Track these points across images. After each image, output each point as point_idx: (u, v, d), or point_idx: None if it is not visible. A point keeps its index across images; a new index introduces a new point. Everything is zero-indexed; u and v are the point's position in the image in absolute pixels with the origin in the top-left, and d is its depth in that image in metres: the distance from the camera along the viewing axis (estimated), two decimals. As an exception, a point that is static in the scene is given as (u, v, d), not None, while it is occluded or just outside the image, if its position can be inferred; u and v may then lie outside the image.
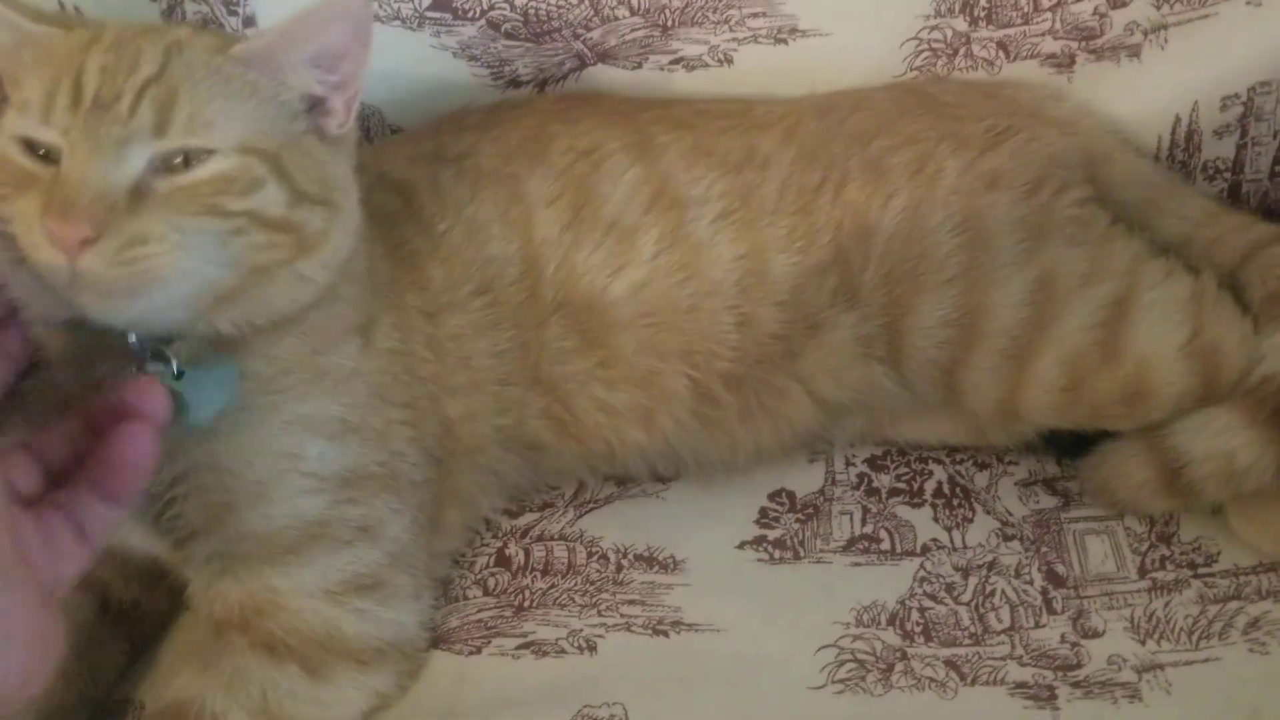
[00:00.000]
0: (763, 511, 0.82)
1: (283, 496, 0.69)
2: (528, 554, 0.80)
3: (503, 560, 0.80)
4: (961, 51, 0.92)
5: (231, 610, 0.70)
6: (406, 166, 0.83)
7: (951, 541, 0.78)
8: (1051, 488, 0.82)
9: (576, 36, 0.93)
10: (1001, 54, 0.92)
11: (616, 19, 0.92)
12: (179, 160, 0.61)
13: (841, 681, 0.71)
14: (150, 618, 0.78)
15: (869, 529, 0.79)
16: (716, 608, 0.75)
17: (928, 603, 0.75)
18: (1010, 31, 0.91)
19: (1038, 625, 0.73)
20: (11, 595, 0.51)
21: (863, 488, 0.83)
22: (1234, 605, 0.72)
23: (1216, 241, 0.84)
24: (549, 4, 0.90)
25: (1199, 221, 0.86)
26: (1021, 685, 0.70)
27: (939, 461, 0.84)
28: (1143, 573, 0.75)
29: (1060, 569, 0.76)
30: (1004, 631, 0.73)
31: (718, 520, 0.81)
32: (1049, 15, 0.90)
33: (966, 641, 0.72)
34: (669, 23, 0.92)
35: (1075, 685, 0.70)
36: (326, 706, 0.70)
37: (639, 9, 0.91)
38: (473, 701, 0.72)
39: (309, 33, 0.64)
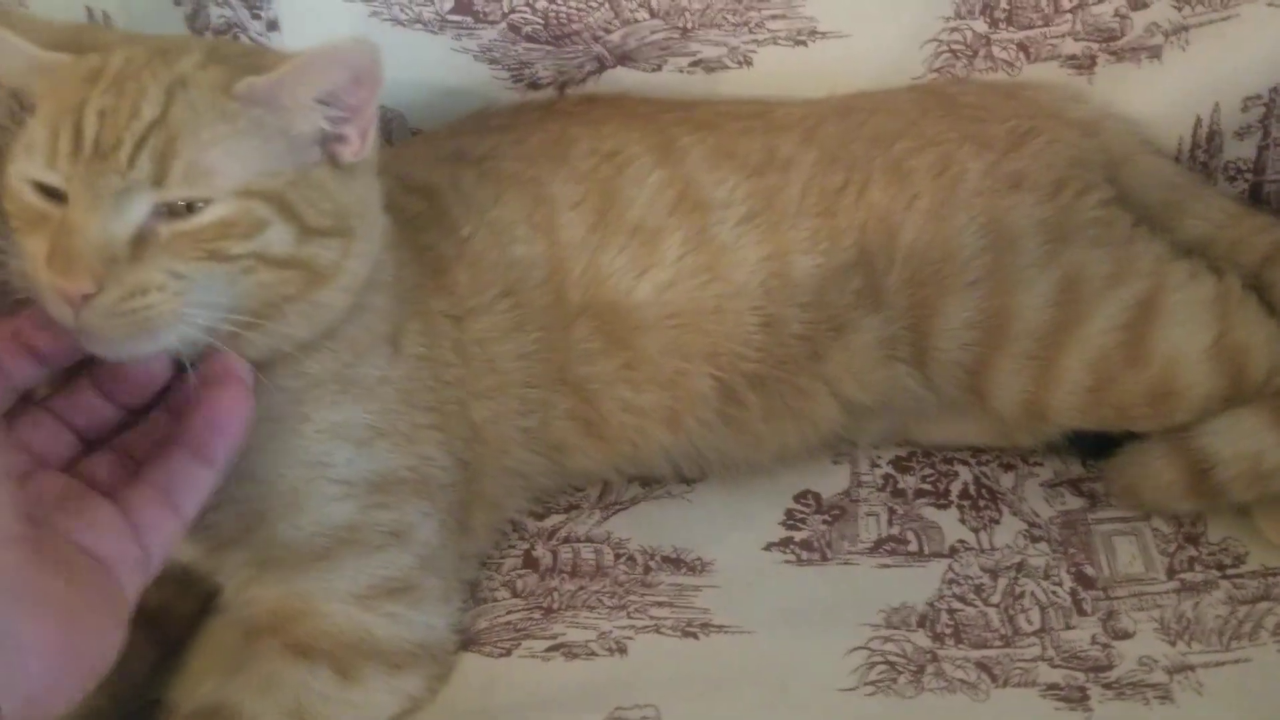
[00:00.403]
0: (789, 513, 0.82)
1: (313, 504, 0.69)
2: (555, 556, 0.80)
3: (530, 562, 0.80)
4: (981, 53, 0.92)
5: (264, 615, 0.70)
6: (429, 169, 0.83)
7: (979, 543, 0.78)
8: (1077, 489, 0.82)
9: (596, 39, 0.93)
10: (1022, 55, 0.92)
11: (636, 21, 0.92)
12: (182, 204, 0.61)
13: (873, 683, 0.71)
14: (178, 621, 0.78)
15: (896, 530, 0.80)
16: (745, 609, 0.75)
17: (957, 604, 0.75)
18: (1030, 33, 0.91)
19: (1068, 627, 0.73)
20: (22, 611, 0.50)
21: (888, 489, 0.83)
22: (1263, 606, 0.73)
23: (1239, 243, 0.84)
24: (569, 7, 0.90)
25: (1221, 223, 0.86)
26: (1053, 687, 0.70)
27: (964, 463, 0.84)
28: (1171, 574, 0.76)
29: (1089, 570, 0.76)
30: (1034, 633, 0.73)
31: (744, 522, 0.81)
32: (1069, 17, 0.90)
33: (997, 643, 0.72)
34: (689, 25, 0.92)
35: (1107, 686, 0.70)
36: (358, 709, 0.70)
37: (659, 11, 0.91)
38: (504, 703, 0.72)
39: (311, 76, 0.62)
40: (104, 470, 0.62)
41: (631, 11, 0.90)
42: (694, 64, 0.94)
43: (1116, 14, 0.90)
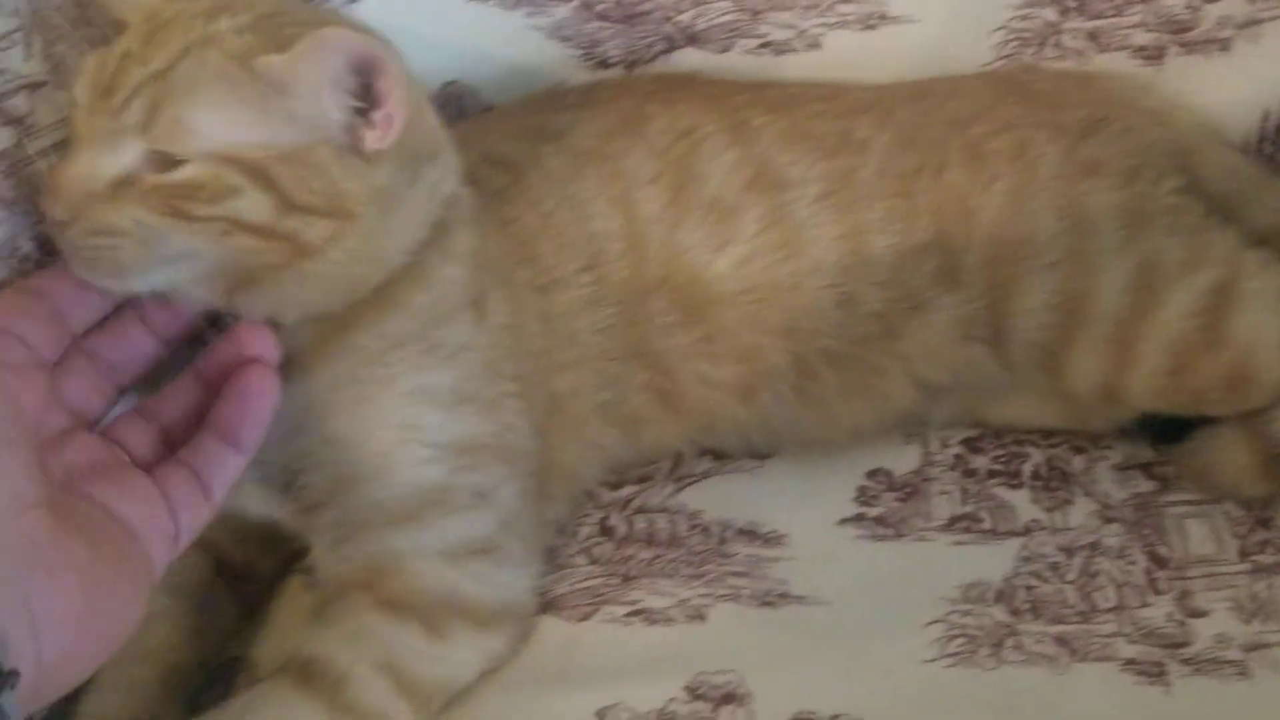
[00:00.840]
0: (861, 490, 0.82)
1: (403, 466, 0.70)
2: (630, 525, 0.81)
3: (606, 530, 0.81)
4: (1051, 41, 0.93)
5: (355, 572, 0.71)
6: (509, 143, 0.83)
7: (1052, 522, 0.79)
8: (1148, 472, 0.83)
9: (667, 19, 0.94)
10: (1091, 45, 0.93)
11: (708, 2, 0.93)
12: (169, 158, 0.62)
13: (953, 655, 0.71)
14: (259, 579, 0.79)
15: (969, 509, 0.80)
16: (822, 581, 0.76)
17: (1033, 581, 0.75)
18: (1101, 23, 0.92)
19: (1143, 604, 0.74)
20: (38, 578, 0.50)
21: (960, 469, 0.83)
22: (1337, 588, 0.73)
23: None
24: (642, -14, 0.91)
25: (1290, 214, 0.87)
26: (1131, 661, 0.71)
27: (1035, 445, 0.85)
28: (1244, 555, 0.76)
29: (1162, 550, 0.77)
30: (1110, 610, 0.74)
31: (817, 497, 0.82)
32: (1140, 8, 0.91)
33: (1074, 619, 0.73)
34: (759, 7, 0.93)
35: (1184, 662, 0.70)
36: (446, 664, 0.71)
37: (730, -8, 0.92)
38: (587, 665, 0.73)
39: (315, 64, 0.62)
40: (139, 439, 0.63)
41: (703, -8, 0.91)
42: (762, 46, 0.95)
43: (1188, 6, 0.90)
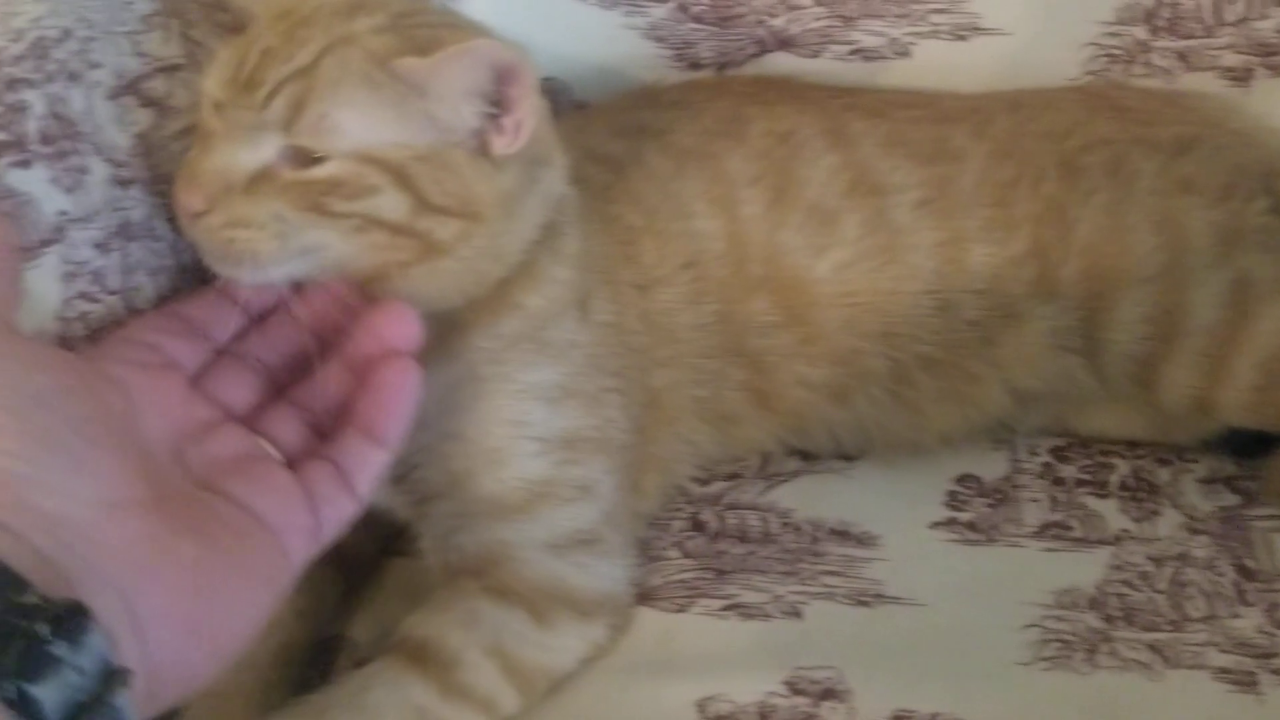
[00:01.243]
0: (951, 494, 0.84)
1: (514, 460, 0.72)
2: (722, 520, 0.82)
3: (697, 525, 0.82)
4: (1139, 59, 0.94)
5: (465, 560, 0.72)
6: (611, 141, 0.85)
7: (1141, 532, 0.80)
8: (1232, 486, 0.84)
9: (760, 23, 0.95)
10: (1180, 64, 0.94)
11: (801, 7, 0.95)
12: (308, 154, 0.63)
13: (1049, 659, 0.72)
14: (361, 559, 0.80)
15: (1058, 516, 0.81)
16: (916, 583, 0.77)
17: (1124, 589, 0.76)
18: (1191, 43, 0.93)
19: (1233, 615, 0.75)
20: (140, 582, 0.49)
21: (1048, 477, 0.85)
22: None
23: None
24: (739, -11, 0.92)
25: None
26: (1223, 670, 0.72)
27: (1120, 455, 0.86)
28: (1330, 571, 0.77)
29: (1249, 563, 0.78)
30: (1201, 619, 0.75)
31: (907, 500, 0.83)
32: (1231, 30, 0.92)
33: (1166, 628, 0.74)
34: (852, 13, 0.94)
35: (1275, 673, 0.71)
36: (551, 652, 0.72)
37: (824, -1, 0.93)
38: (684, 656, 0.74)
39: (457, 72, 0.63)
40: (287, 430, 0.63)
41: (798, -3, 0.92)
42: (853, 52, 0.96)
43: (1278, 30, 0.91)
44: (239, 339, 0.65)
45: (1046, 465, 0.85)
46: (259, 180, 0.63)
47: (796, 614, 0.76)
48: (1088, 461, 0.86)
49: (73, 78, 0.63)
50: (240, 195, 0.62)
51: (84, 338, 0.62)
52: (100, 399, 0.54)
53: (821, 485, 0.85)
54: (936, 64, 0.94)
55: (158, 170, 0.67)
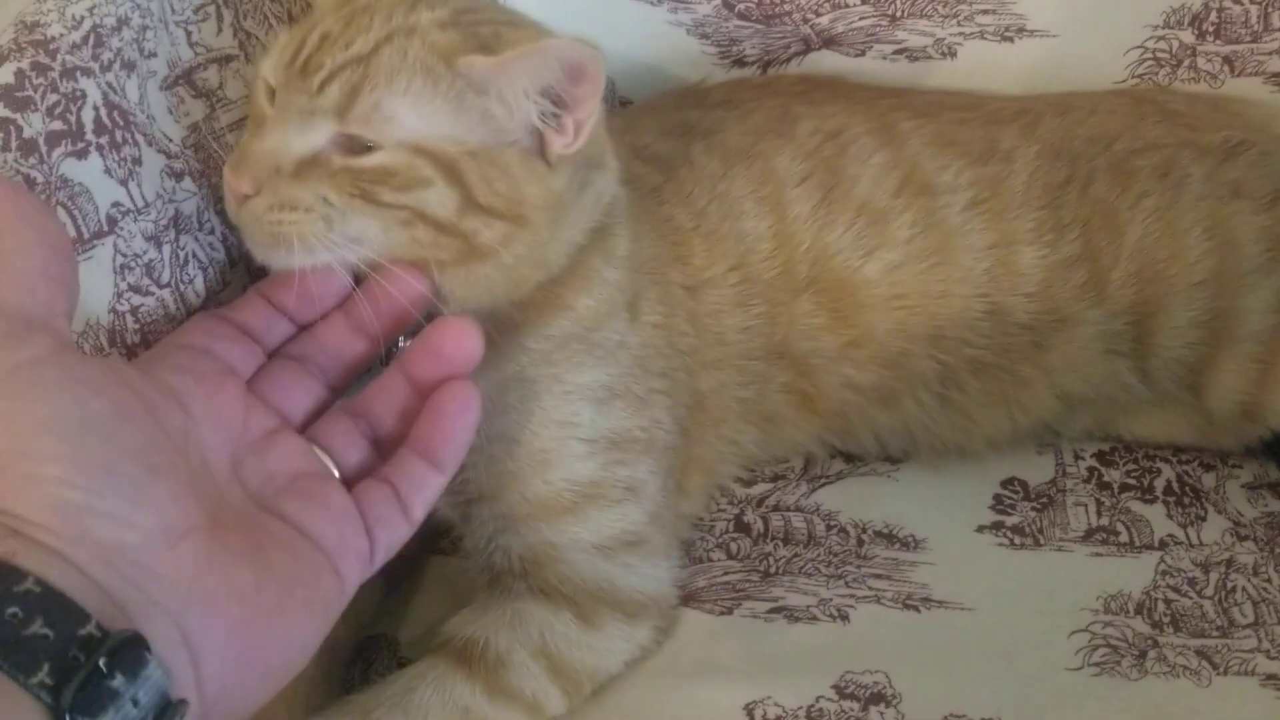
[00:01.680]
0: (997, 498, 0.83)
1: (562, 461, 0.71)
2: (766, 522, 0.82)
3: (742, 526, 0.81)
4: (1186, 63, 0.94)
5: (511, 561, 0.71)
6: (661, 140, 0.84)
7: (1188, 538, 0.80)
8: (1277, 492, 0.83)
9: (805, 21, 0.95)
10: (1226, 69, 0.94)
11: (847, 6, 0.94)
12: (360, 141, 0.62)
13: (1097, 665, 0.72)
14: (404, 559, 0.78)
15: (1105, 521, 0.81)
16: (963, 587, 0.77)
17: (1172, 595, 0.76)
18: (1238, 48, 0.93)
19: (1281, 622, 0.74)
20: (195, 609, 0.49)
21: (1094, 481, 0.84)
22: None
23: None
24: (784, -13, 0.92)
25: None
26: (1272, 677, 0.71)
27: (1166, 460, 0.86)
28: (1377, 578, 0.77)
29: (1297, 570, 0.77)
30: (1249, 626, 0.74)
31: (953, 503, 0.83)
32: (1278, 35, 0.92)
33: (1214, 634, 0.74)
34: (898, 13, 0.94)
35: (1325, 681, 0.71)
36: (597, 653, 0.71)
37: (871, -2, 0.93)
38: (731, 659, 0.73)
39: (529, 71, 0.62)
40: (346, 442, 0.62)
41: (844, -3, 0.92)
42: (898, 52, 0.95)
43: (1324, 35, 0.91)
44: (294, 340, 0.65)
45: (1092, 470, 0.85)
46: (308, 165, 0.62)
47: (844, 618, 0.76)
48: (1133, 466, 0.85)
49: (128, 67, 0.63)
50: (288, 178, 0.61)
51: (136, 330, 0.61)
52: (158, 419, 0.53)
53: (866, 488, 0.84)
54: (982, 65, 0.94)
55: (209, 162, 0.66)
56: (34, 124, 0.56)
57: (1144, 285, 0.80)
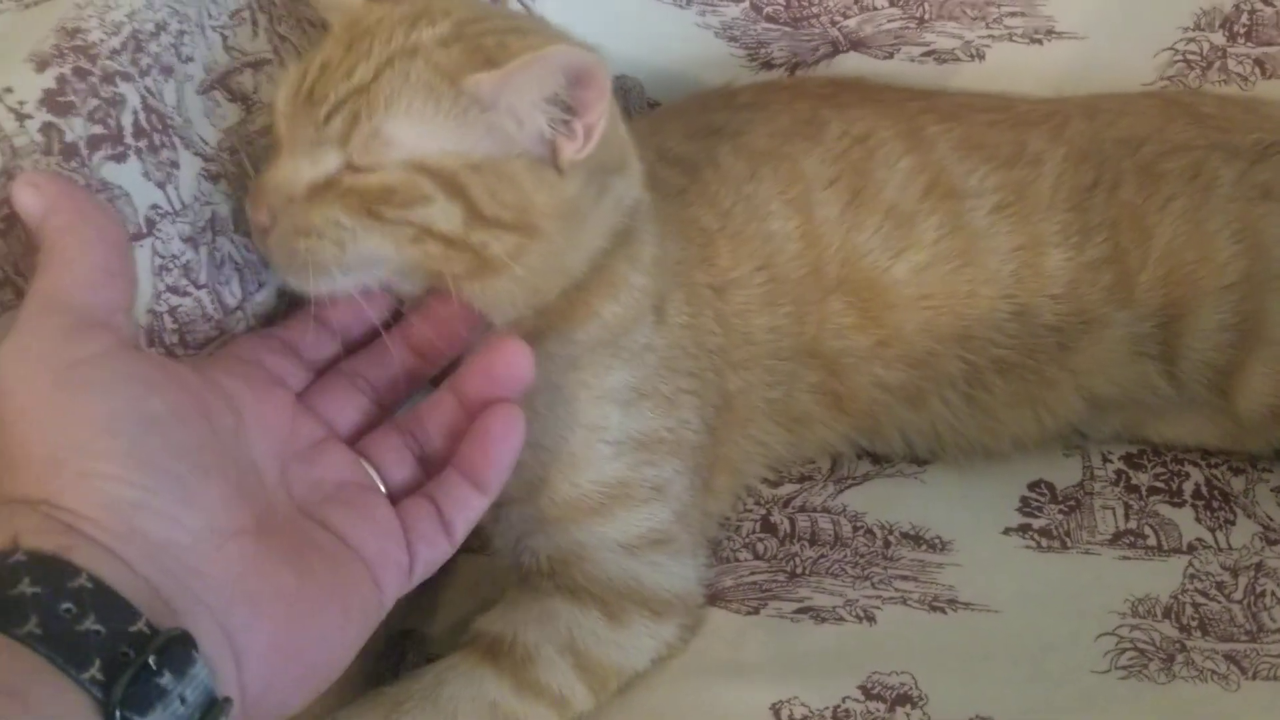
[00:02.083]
0: (1024, 500, 0.83)
1: (590, 464, 0.72)
2: (793, 523, 0.82)
3: (768, 527, 0.82)
4: (1216, 65, 0.94)
5: (539, 561, 0.72)
6: (686, 143, 0.84)
7: (1216, 542, 0.80)
8: (1307, 496, 0.83)
9: (834, 23, 0.95)
10: (1257, 71, 0.94)
11: (875, 8, 0.94)
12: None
13: (1125, 668, 0.72)
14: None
15: (1133, 525, 0.81)
16: (990, 589, 0.77)
17: (1200, 599, 0.76)
18: (1269, 50, 0.93)
19: (1310, 627, 0.74)
20: (238, 610, 0.50)
21: (1121, 484, 0.84)
22: None
23: None
24: (813, -10, 0.92)
25: None
26: (1302, 682, 0.71)
27: (1194, 464, 0.86)
28: (1407, 583, 0.77)
29: (1326, 575, 0.77)
30: (1278, 631, 0.74)
31: (980, 505, 0.83)
32: (1310, 37, 0.92)
33: (1243, 638, 0.74)
34: (926, 15, 0.94)
35: (1355, 686, 0.71)
36: (624, 651, 0.72)
37: (898, 0, 0.93)
38: (758, 658, 0.74)
39: (533, 80, 0.62)
40: (394, 457, 0.63)
41: (872, -1, 0.92)
42: (926, 54, 0.96)
43: (1357, 38, 0.91)
44: (346, 358, 0.66)
45: (1119, 472, 0.85)
46: (320, 190, 0.63)
47: (870, 619, 0.76)
48: (1161, 469, 0.85)
49: (165, 71, 0.64)
50: (301, 205, 0.63)
51: (174, 330, 0.62)
52: (212, 420, 0.54)
53: (893, 489, 0.85)
54: (1010, 67, 0.94)
55: (243, 165, 0.67)
56: (75, 128, 0.57)
57: (1172, 288, 0.80)
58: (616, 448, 0.72)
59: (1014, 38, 0.94)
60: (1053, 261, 0.81)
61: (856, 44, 0.96)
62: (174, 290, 0.63)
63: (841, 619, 0.76)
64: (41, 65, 0.57)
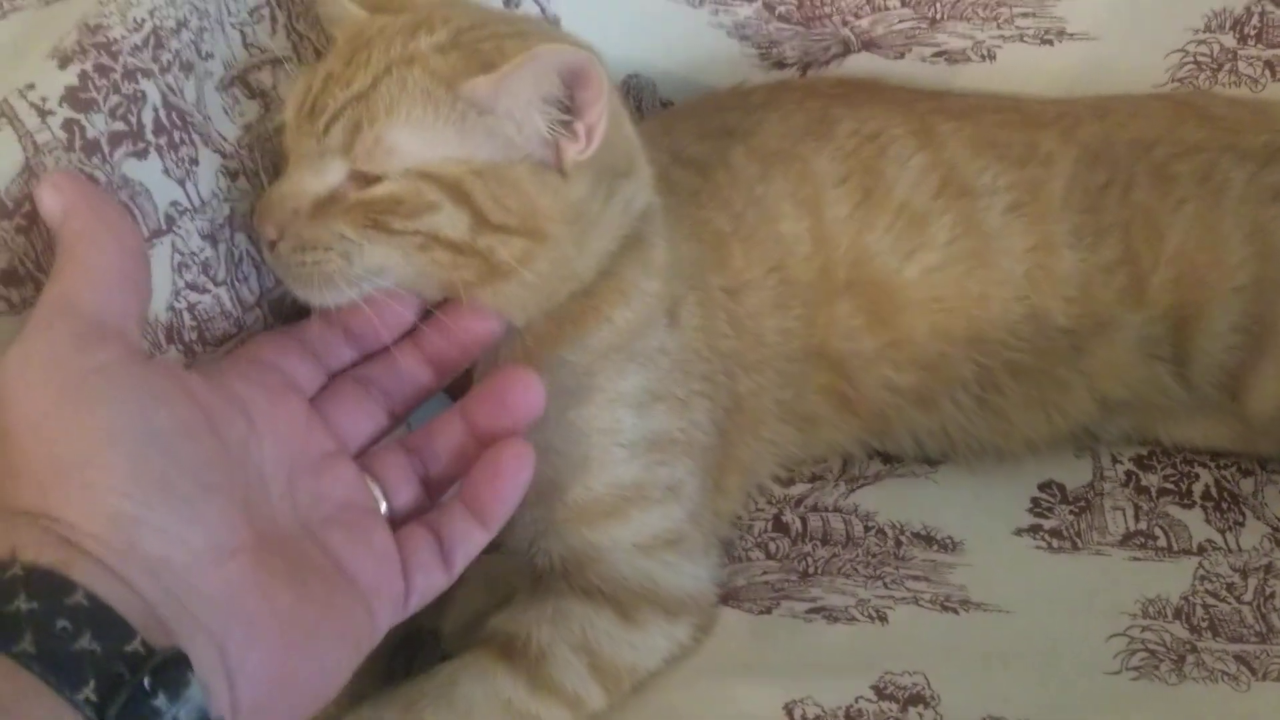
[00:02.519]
0: (1035, 501, 0.84)
1: (605, 467, 0.72)
2: (804, 523, 0.82)
3: (780, 526, 0.82)
4: (1227, 67, 0.94)
5: (553, 562, 0.72)
6: (698, 143, 0.84)
7: (1226, 543, 0.80)
8: (1316, 498, 0.84)
9: (845, 23, 0.95)
10: (1267, 73, 0.94)
11: (887, 8, 0.94)
12: (370, 173, 0.63)
13: (1136, 669, 0.73)
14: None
15: (1143, 526, 0.81)
16: (1002, 590, 0.77)
17: (1210, 600, 0.76)
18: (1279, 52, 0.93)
19: (1320, 629, 0.75)
20: (235, 630, 0.50)
21: (1131, 485, 0.84)
22: None
23: None
24: (825, -10, 0.92)
25: None
26: (1312, 684, 0.71)
27: (1204, 465, 0.86)
28: None
29: (1336, 577, 0.78)
30: (1288, 632, 0.75)
31: (991, 506, 0.83)
32: (1321, 40, 0.92)
33: (1253, 639, 0.74)
34: (938, 16, 0.94)
35: (1365, 688, 0.71)
36: (637, 650, 0.72)
37: (910, 0, 0.93)
38: (770, 658, 0.74)
39: (528, 82, 0.63)
40: (399, 477, 0.63)
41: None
42: (937, 54, 0.96)
43: (1367, 41, 0.91)
44: (363, 364, 0.66)
45: (1129, 474, 0.85)
46: (325, 204, 0.63)
47: (883, 619, 0.76)
48: (1171, 471, 0.85)
49: (186, 68, 0.64)
50: (307, 219, 0.63)
51: (193, 327, 0.62)
52: (219, 432, 0.54)
53: (904, 489, 0.85)
54: (1021, 68, 0.94)
55: (262, 162, 0.67)
56: (97, 124, 0.57)
57: (1184, 290, 0.81)
58: (630, 450, 0.72)
59: (1025, 38, 0.94)
60: (1065, 263, 0.81)
61: (868, 44, 0.96)
62: (193, 287, 0.63)
63: (854, 619, 0.76)
64: (64, 61, 0.57)
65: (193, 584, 0.49)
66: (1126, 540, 0.80)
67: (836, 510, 0.83)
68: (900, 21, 0.95)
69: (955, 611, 0.76)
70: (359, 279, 0.64)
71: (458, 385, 0.69)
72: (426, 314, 0.66)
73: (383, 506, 0.62)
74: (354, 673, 0.69)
